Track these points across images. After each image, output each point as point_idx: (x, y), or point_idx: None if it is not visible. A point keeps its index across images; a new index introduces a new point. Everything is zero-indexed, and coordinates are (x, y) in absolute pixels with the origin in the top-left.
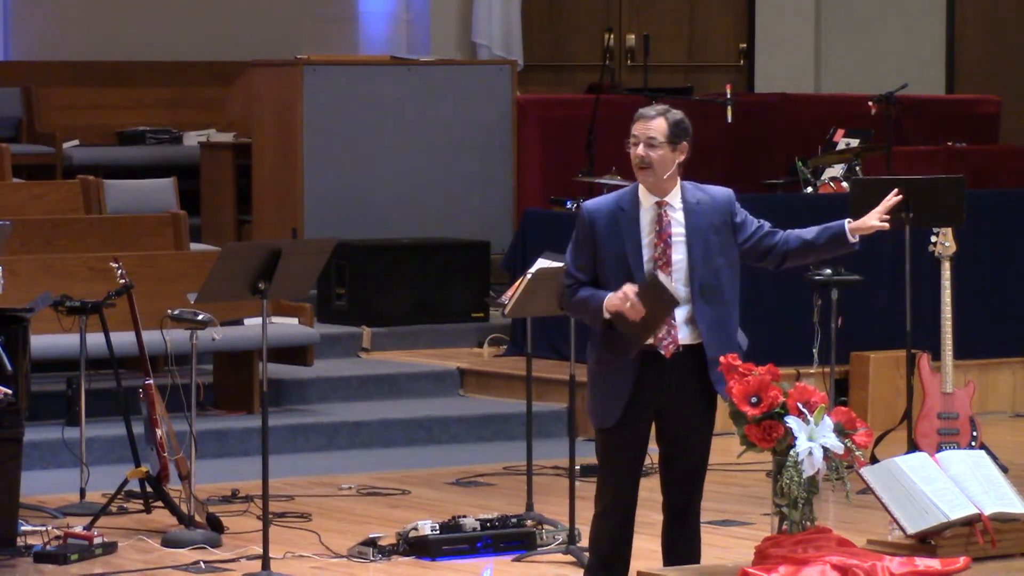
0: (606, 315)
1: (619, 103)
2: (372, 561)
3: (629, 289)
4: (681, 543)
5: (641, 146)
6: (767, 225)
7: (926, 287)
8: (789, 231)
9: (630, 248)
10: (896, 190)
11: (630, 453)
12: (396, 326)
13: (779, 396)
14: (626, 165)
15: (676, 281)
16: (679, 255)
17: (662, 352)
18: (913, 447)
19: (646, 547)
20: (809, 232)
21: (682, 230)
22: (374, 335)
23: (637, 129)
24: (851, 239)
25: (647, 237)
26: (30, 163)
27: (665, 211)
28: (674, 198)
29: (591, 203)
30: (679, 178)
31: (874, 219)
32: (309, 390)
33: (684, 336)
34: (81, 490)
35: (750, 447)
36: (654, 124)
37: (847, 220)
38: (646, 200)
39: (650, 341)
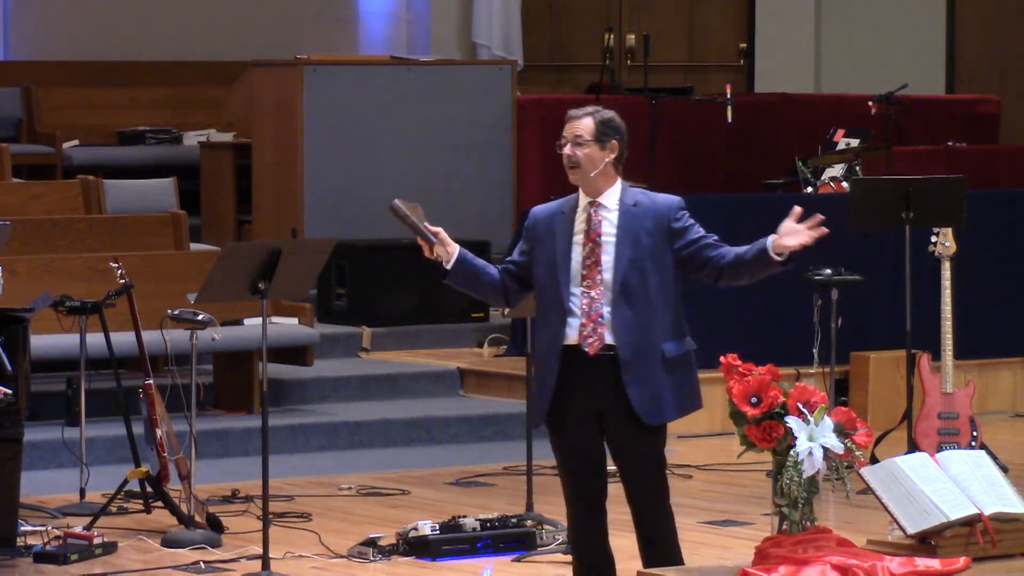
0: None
1: (619, 103)
2: (372, 561)
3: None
4: (654, 555)
5: (568, 146)
6: (712, 238)
7: (926, 287)
8: (730, 247)
9: (560, 250)
10: (818, 217)
11: (576, 453)
12: (396, 326)
13: (779, 396)
14: (627, 165)
15: (605, 281)
16: (608, 255)
17: (586, 349)
18: (913, 447)
19: None
20: (743, 248)
21: (613, 231)
22: (374, 335)
23: (566, 129)
24: (774, 256)
25: (578, 236)
26: (30, 163)
27: (596, 211)
28: (609, 199)
29: (537, 207)
30: (618, 179)
31: (789, 239)
32: (309, 390)
33: (610, 337)
34: (81, 490)
35: (750, 447)
36: (581, 123)
37: (772, 236)
38: (582, 201)
39: (575, 341)
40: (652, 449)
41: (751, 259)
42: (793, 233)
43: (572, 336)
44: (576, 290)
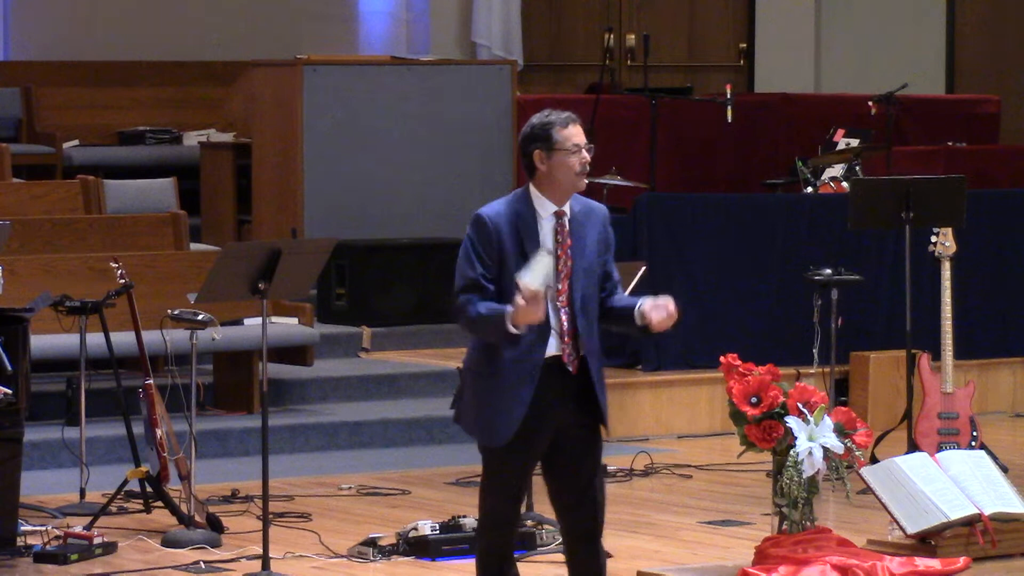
0: (513, 330)
1: (619, 103)
2: (372, 561)
3: (523, 296)
4: (591, 553)
5: (585, 152)
6: (616, 275)
7: (926, 287)
8: (615, 288)
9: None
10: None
11: (522, 472)
12: (396, 326)
13: (779, 396)
14: (627, 165)
15: (573, 295)
16: (572, 268)
17: (569, 368)
18: (913, 447)
19: (648, 547)
20: (620, 297)
21: (570, 241)
22: (374, 335)
23: (578, 136)
24: (637, 320)
25: (549, 249)
26: (30, 163)
27: (564, 221)
28: (567, 207)
29: (489, 210)
30: None
31: (655, 313)
32: (309, 390)
33: (581, 351)
34: (81, 490)
35: (750, 447)
36: (581, 129)
37: (644, 301)
38: (542, 209)
39: (556, 352)
40: (600, 454)
41: (619, 310)
42: (658, 309)
43: (550, 353)
44: (551, 306)
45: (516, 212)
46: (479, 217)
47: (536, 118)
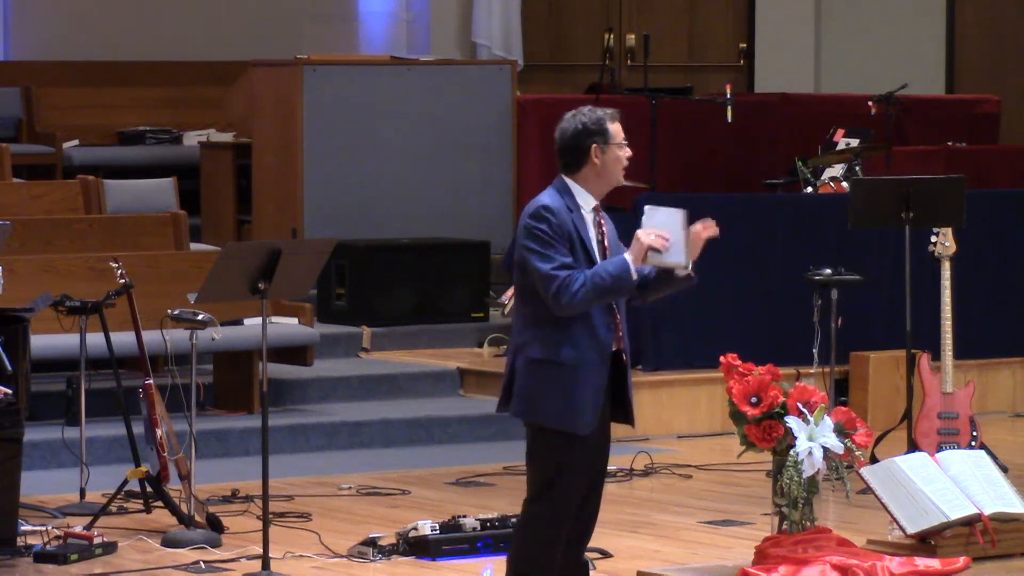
0: (634, 270)
1: (619, 103)
2: (372, 561)
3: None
4: (580, 553)
5: (626, 148)
6: None
7: (926, 287)
8: None
9: (594, 253)
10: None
11: (590, 468)
12: (396, 326)
13: (779, 396)
14: (627, 165)
15: None
16: None
17: (625, 358)
18: (913, 447)
19: (648, 547)
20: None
21: (607, 238)
22: (374, 335)
23: (622, 130)
24: (680, 275)
25: (597, 240)
26: (30, 163)
27: (602, 215)
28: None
29: (550, 200)
30: None
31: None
32: (309, 390)
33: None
34: (81, 490)
35: (750, 447)
36: None
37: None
38: (584, 203)
39: (616, 347)
40: (608, 454)
41: (656, 275)
42: (695, 243)
43: (615, 341)
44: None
45: (566, 204)
46: (548, 207)
47: (583, 114)
